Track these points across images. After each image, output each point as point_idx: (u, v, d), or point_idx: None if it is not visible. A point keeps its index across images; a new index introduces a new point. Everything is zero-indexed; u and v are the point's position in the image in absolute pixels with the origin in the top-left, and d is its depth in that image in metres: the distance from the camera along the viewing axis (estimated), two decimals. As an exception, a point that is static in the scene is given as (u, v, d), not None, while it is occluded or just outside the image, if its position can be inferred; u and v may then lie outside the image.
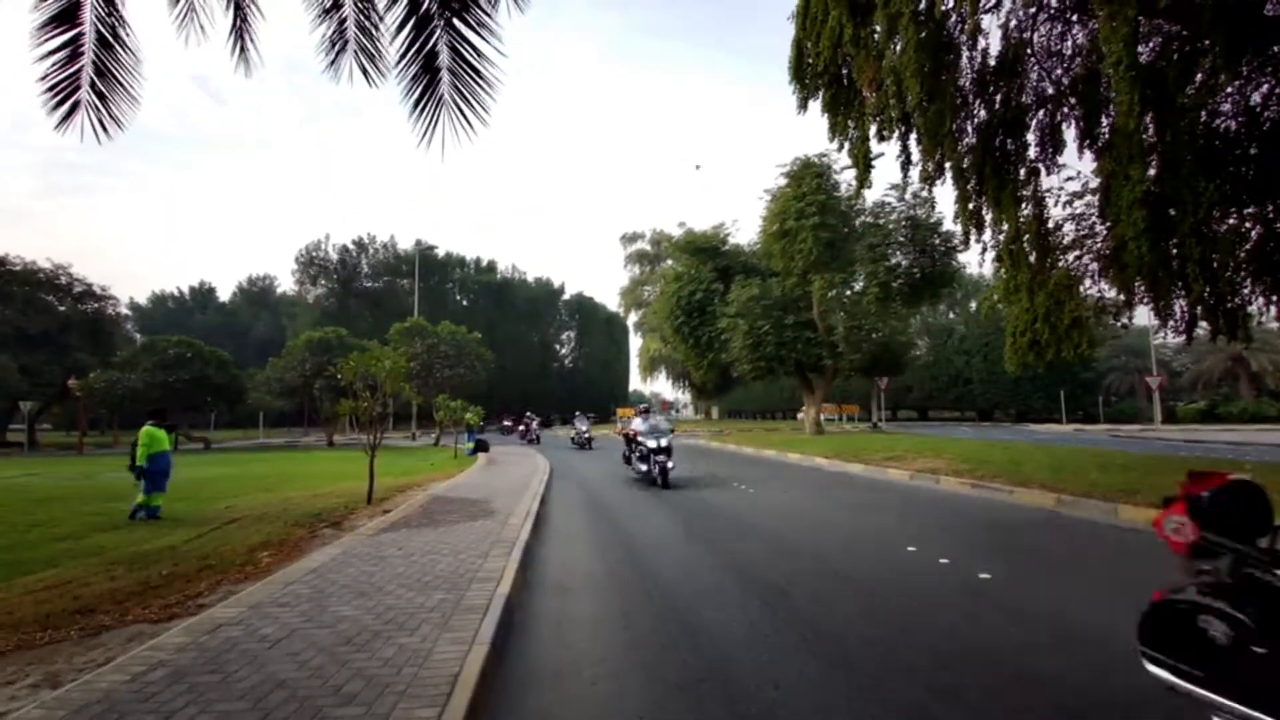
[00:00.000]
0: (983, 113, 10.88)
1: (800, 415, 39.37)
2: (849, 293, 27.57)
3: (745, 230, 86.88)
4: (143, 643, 3.81)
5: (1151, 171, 9.48)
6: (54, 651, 3.83)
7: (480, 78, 4.26)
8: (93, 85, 4.19)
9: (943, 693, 3.11)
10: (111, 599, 4.86)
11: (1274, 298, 11.07)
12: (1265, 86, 9.69)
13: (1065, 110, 10.85)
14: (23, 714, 2.82)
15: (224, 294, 79.56)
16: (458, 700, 2.88)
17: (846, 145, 11.40)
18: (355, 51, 4.39)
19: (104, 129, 4.21)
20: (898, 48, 9.25)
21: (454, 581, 4.97)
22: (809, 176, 25.31)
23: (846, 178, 24.24)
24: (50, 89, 4.00)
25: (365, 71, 4.39)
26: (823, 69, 10.77)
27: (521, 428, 32.62)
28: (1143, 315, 12.79)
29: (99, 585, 5.27)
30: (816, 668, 3.46)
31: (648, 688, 3.26)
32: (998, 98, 10.75)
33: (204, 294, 78.11)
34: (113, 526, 8.11)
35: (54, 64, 4.00)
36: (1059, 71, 10.67)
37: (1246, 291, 10.96)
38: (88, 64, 4.13)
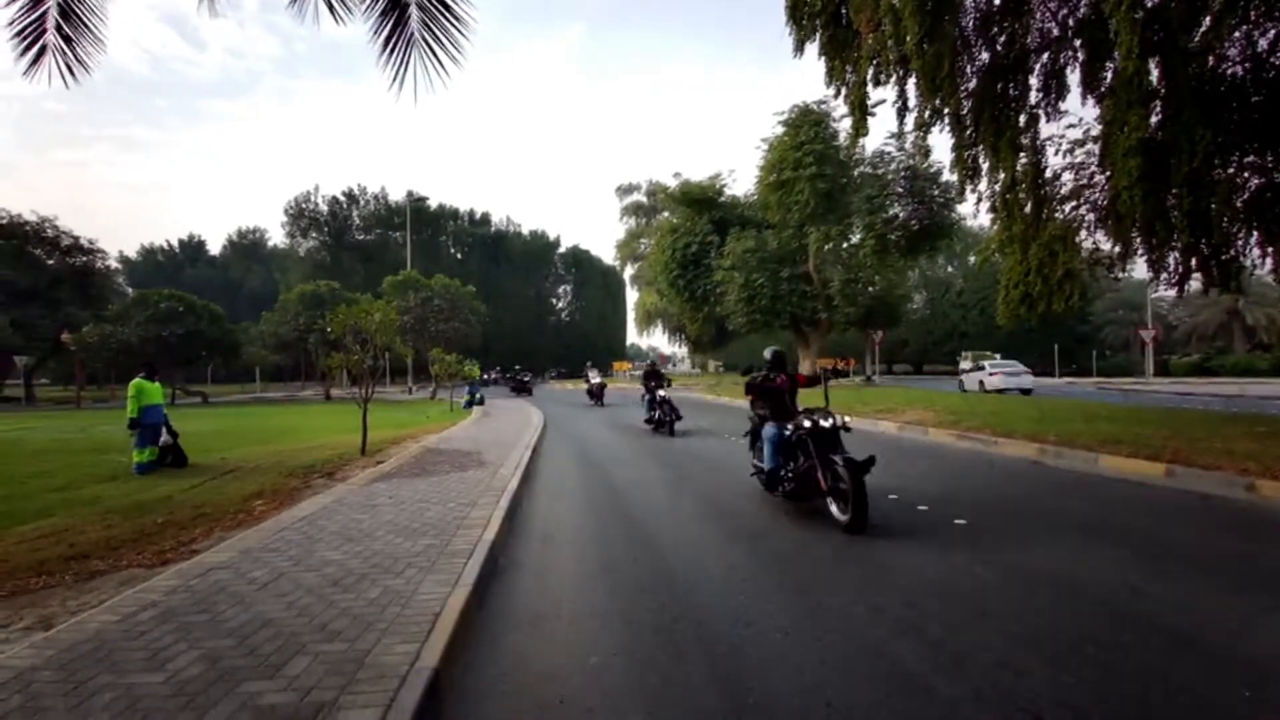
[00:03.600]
0: (984, 55, 10.50)
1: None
2: (845, 245, 27.30)
3: (742, 181, 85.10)
4: (134, 586, 3.91)
5: (1155, 119, 9.24)
6: (48, 596, 3.93)
7: (451, 14, 4.10)
8: (59, 29, 4.11)
9: (906, 631, 3.23)
10: (106, 546, 4.95)
11: (1269, 249, 10.98)
12: (1272, 32, 9.32)
13: (1069, 54, 10.48)
14: (14, 653, 2.92)
15: (214, 247, 78.64)
16: (437, 637, 2.99)
17: (844, 90, 11.05)
18: (321, -14, 4.22)
19: (71, 73, 4.17)
20: (897, -15, 8.85)
21: (441, 528, 5.08)
22: (807, 125, 24.73)
23: (845, 126, 23.63)
24: (18, 34, 3.99)
25: (331, 8, 4.23)
26: (820, 8, 10.35)
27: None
28: (1140, 268, 12.66)
29: (94, 533, 5.36)
30: (791, 608, 3.58)
31: (625, 629, 3.37)
32: (1000, 39, 10.36)
33: (194, 247, 77.12)
34: (109, 478, 8.22)
35: (20, 8, 3.95)
36: (1064, 12, 10.26)
37: (1241, 243, 10.87)
38: (53, 7, 4.05)
